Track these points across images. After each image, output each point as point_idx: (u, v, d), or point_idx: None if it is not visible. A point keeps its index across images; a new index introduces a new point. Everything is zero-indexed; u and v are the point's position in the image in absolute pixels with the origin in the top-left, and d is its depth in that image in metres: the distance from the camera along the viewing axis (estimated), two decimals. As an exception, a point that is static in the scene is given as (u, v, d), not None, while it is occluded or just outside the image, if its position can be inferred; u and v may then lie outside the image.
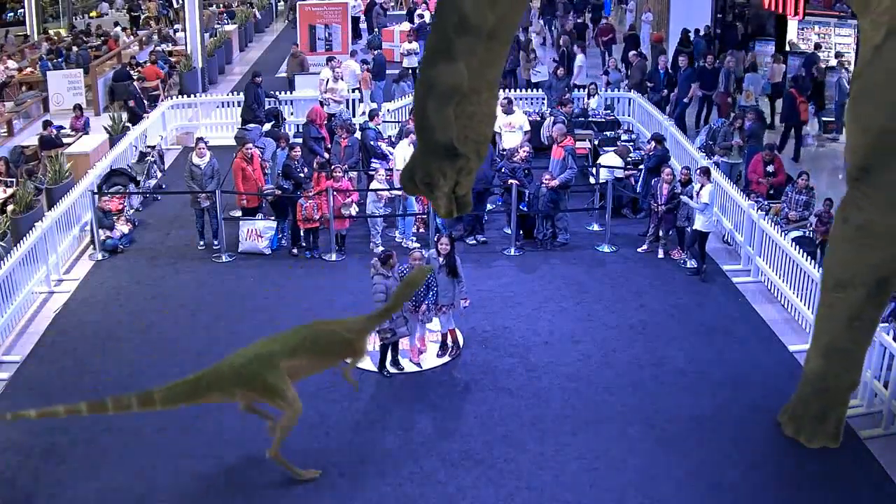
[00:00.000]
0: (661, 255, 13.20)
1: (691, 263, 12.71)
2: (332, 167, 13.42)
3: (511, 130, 15.77)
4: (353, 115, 18.74)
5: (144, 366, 10.32)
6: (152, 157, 16.59)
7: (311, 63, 22.19)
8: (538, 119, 17.54)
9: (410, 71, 20.51)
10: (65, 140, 17.72)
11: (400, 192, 13.06)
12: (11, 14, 34.38)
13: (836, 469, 8.51)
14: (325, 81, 18.60)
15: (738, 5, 25.05)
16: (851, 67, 17.96)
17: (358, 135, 15.53)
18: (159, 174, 16.74)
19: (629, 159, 15.38)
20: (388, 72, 21.24)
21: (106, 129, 17.82)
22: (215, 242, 13.49)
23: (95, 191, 13.77)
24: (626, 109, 19.42)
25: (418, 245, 12.64)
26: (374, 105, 18.39)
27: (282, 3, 39.38)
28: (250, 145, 13.98)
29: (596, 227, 14.20)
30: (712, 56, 19.92)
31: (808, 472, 8.47)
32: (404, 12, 33.90)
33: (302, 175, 13.49)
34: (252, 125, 16.81)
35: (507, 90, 19.60)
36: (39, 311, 11.85)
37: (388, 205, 13.75)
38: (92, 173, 14.56)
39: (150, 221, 14.80)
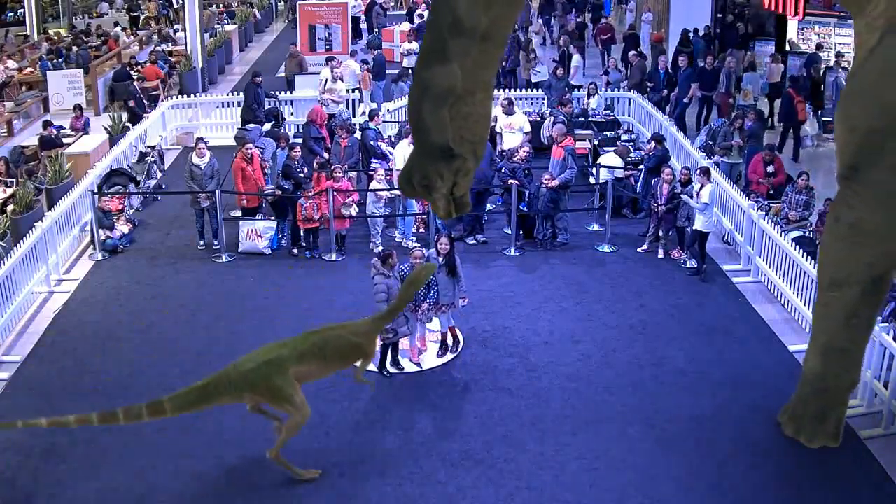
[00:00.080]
0: (661, 255, 13.20)
1: (691, 263, 12.72)
2: (332, 167, 13.42)
3: (511, 131, 15.77)
4: (353, 115, 18.74)
5: (144, 366, 10.32)
6: (152, 157, 16.59)
7: (311, 63, 22.17)
8: (538, 119, 17.54)
9: (410, 71, 20.48)
10: (65, 140, 17.72)
11: (400, 193, 13.05)
12: (11, 14, 34.37)
13: (836, 469, 8.51)
14: (323, 82, 18.60)
15: (738, 5, 25.05)
16: (851, 68, 17.96)
17: (358, 135, 15.53)
18: (159, 174, 16.74)
19: (629, 159, 15.38)
20: (388, 72, 21.25)
21: (106, 129, 17.82)
22: (215, 242, 13.49)
23: (95, 191, 13.77)
24: (626, 109, 19.42)
25: (418, 245, 12.64)
26: (374, 105, 18.38)
27: (282, 3, 39.37)
28: (250, 145, 13.98)
29: (596, 227, 14.20)
30: (712, 56, 19.93)
31: (808, 472, 8.47)
32: (404, 12, 33.90)
33: (302, 175, 13.49)
34: (252, 125, 16.80)
35: (507, 90, 19.63)
36: (39, 311, 11.85)
37: (388, 205, 13.76)
38: (92, 173, 14.56)
39: (150, 221, 14.80)
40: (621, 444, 8.83)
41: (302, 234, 13.41)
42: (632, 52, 21.48)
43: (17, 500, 8.11)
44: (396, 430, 9.10)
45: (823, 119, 19.09)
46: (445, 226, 12.73)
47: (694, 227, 12.48)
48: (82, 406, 8.71)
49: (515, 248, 13.39)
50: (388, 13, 32.40)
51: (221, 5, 36.19)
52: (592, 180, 15.40)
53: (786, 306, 11.66)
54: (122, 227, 13.82)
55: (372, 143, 15.19)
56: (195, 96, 20.23)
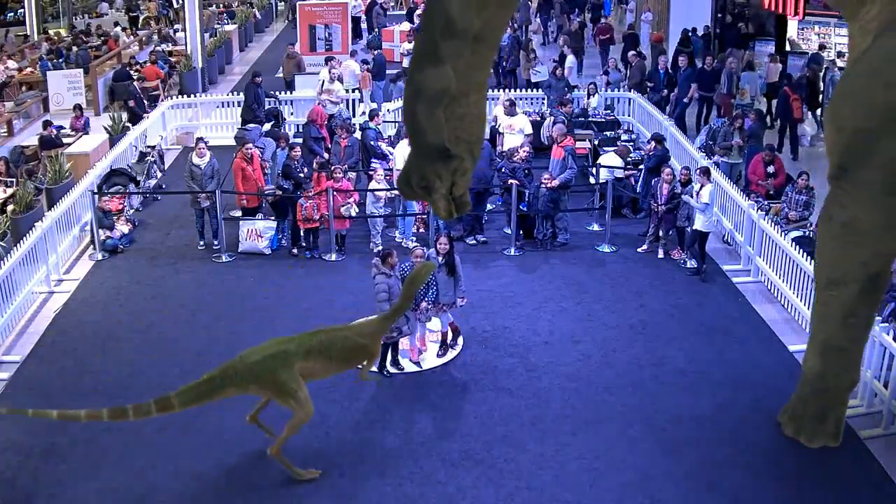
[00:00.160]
0: (661, 255, 13.20)
1: (691, 263, 12.71)
2: (332, 167, 13.42)
3: (512, 132, 15.77)
4: (353, 115, 18.75)
5: (144, 366, 10.32)
6: (152, 157, 16.59)
7: (310, 63, 22.15)
8: (538, 119, 17.54)
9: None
10: (65, 140, 17.72)
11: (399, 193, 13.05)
12: (11, 14, 34.37)
13: (836, 469, 8.51)
14: (321, 82, 18.60)
15: (738, 5, 25.04)
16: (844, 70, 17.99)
17: (358, 135, 15.54)
18: (159, 174, 16.74)
19: (629, 159, 15.39)
20: (388, 72, 21.24)
21: (106, 129, 17.82)
22: (215, 242, 13.49)
23: (95, 191, 13.77)
24: (626, 109, 19.43)
25: (418, 244, 12.63)
26: (374, 105, 18.39)
27: (282, 3, 39.37)
28: (250, 145, 13.98)
29: (596, 227, 14.20)
30: (711, 57, 19.92)
31: (808, 472, 8.47)
32: (404, 12, 33.88)
33: (302, 175, 13.49)
34: (252, 125, 16.81)
35: (507, 90, 19.63)
36: (39, 311, 11.85)
37: (388, 205, 13.76)
38: (92, 173, 14.56)
39: (150, 221, 14.80)
40: (621, 444, 8.83)
41: (302, 234, 13.41)
42: (631, 52, 21.47)
43: (17, 500, 8.11)
44: (396, 430, 9.10)
45: (821, 119, 19.10)
46: (446, 225, 12.73)
47: (694, 227, 12.48)
48: (82, 406, 8.67)
49: (515, 248, 13.39)
50: (388, 13, 32.39)
51: (221, 5, 36.18)
52: (592, 180, 15.40)
53: (786, 306, 11.66)
54: (122, 227, 13.82)
55: (372, 143, 15.19)
56: (195, 96, 20.23)
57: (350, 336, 8.39)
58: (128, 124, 18.06)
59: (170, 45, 28.17)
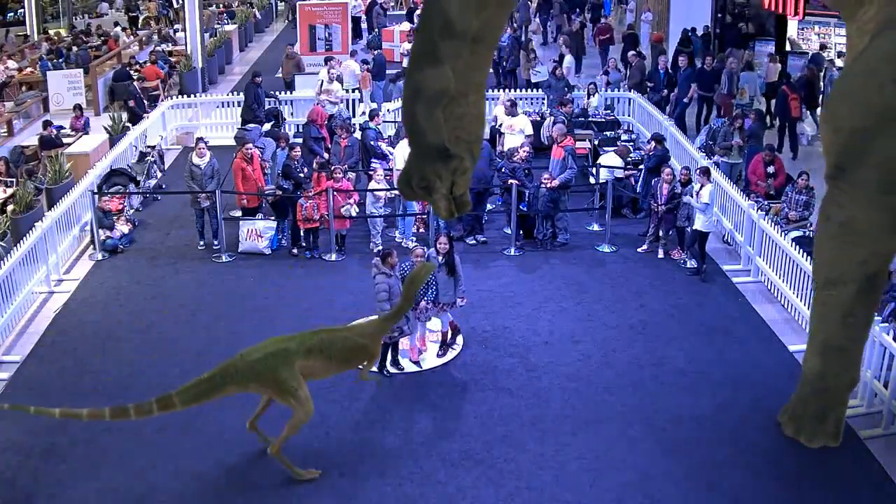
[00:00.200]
0: (661, 255, 13.20)
1: (691, 263, 12.71)
2: (332, 167, 13.42)
3: (512, 133, 15.78)
4: (353, 115, 18.74)
5: (144, 366, 10.33)
6: (152, 157, 16.59)
7: (310, 63, 22.13)
8: (538, 119, 17.54)
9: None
10: (65, 140, 17.72)
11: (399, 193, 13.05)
12: (11, 14, 34.36)
13: (836, 469, 8.51)
14: (320, 83, 18.59)
15: (738, 5, 25.04)
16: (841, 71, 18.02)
17: (358, 135, 15.54)
18: (159, 174, 16.74)
19: (629, 159, 15.39)
20: (388, 72, 21.24)
21: (106, 129, 17.82)
22: (215, 242, 13.49)
23: (95, 191, 13.77)
24: (626, 109, 19.43)
25: (418, 244, 12.62)
26: (374, 105, 18.39)
27: (282, 3, 39.37)
28: (250, 145, 13.98)
29: (596, 227, 14.20)
30: (711, 57, 19.92)
31: (808, 472, 8.47)
32: (404, 12, 33.88)
33: (302, 175, 13.49)
34: (252, 125, 16.80)
35: (507, 90, 19.63)
36: (39, 311, 11.85)
37: (388, 205, 13.76)
38: (92, 173, 14.56)
39: (150, 221, 14.80)
40: (621, 444, 8.83)
41: (302, 234, 13.41)
42: (631, 52, 21.47)
43: (17, 500, 8.11)
44: (396, 430, 9.10)
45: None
46: (446, 225, 12.73)
47: (694, 227, 12.48)
48: (82, 406, 8.68)
49: (515, 248, 13.39)
50: (388, 13, 32.37)
51: (221, 5, 36.17)
52: (592, 180, 15.40)
53: (786, 306, 11.65)
54: (122, 227, 13.82)
55: (372, 143, 15.19)
56: (195, 96, 20.23)
57: (350, 336, 8.41)
58: (128, 124, 18.06)
59: (170, 45, 28.16)
